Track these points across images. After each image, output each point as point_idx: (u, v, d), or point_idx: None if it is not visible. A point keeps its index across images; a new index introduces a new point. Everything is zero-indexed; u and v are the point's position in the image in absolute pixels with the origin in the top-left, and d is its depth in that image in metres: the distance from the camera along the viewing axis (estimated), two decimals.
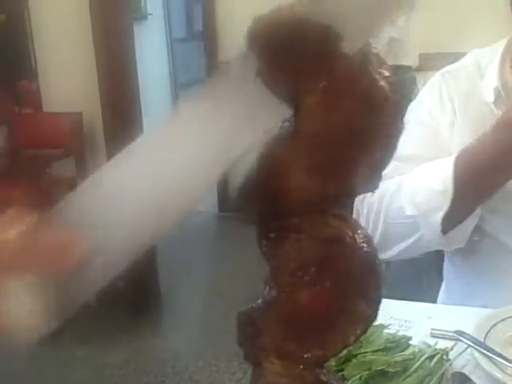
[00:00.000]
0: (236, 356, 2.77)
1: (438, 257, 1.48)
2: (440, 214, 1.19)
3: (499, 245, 1.29)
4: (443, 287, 1.48)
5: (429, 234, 1.22)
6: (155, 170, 0.44)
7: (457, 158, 1.19)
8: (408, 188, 1.24)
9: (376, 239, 1.29)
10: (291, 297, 0.47)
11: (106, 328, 3.16)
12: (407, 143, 1.29)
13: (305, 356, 0.48)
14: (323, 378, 0.49)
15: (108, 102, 3.17)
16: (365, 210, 1.30)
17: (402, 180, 1.26)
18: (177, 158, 0.43)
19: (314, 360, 0.49)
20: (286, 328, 0.49)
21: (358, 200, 1.28)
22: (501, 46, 1.31)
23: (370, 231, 1.28)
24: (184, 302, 3.48)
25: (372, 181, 0.46)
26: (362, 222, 1.29)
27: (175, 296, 3.55)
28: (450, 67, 1.40)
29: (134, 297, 3.33)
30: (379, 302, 0.48)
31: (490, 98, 1.28)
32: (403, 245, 1.28)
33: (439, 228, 1.20)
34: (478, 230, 1.28)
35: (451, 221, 1.21)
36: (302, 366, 0.49)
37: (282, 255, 0.47)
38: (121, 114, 3.11)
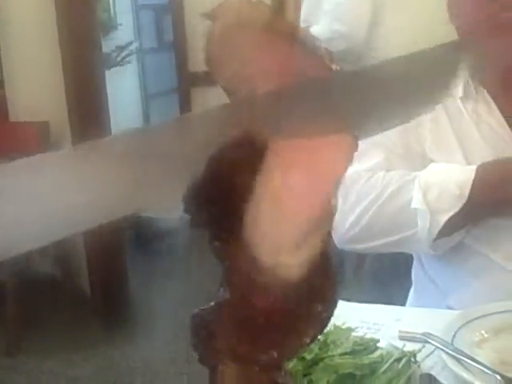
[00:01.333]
0: None
1: (407, 260, 1.48)
2: (448, 214, 1.20)
3: (467, 248, 1.29)
4: (412, 291, 1.48)
5: (422, 233, 1.23)
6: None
7: (479, 166, 1.21)
8: (421, 182, 1.24)
9: (357, 229, 1.28)
10: (244, 299, 0.45)
11: (75, 339, 3.11)
12: (391, 133, 1.30)
13: (260, 358, 0.47)
14: (280, 380, 0.48)
15: (76, 111, 3.13)
16: (353, 198, 1.28)
17: (412, 175, 1.27)
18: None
19: (269, 362, 0.47)
20: (240, 330, 0.47)
21: (345, 185, 1.28)
22: None
23: (352, 219, 1.27)
24: (155, 309, 3.45)
25: None
26: (346, 209, 1.28)
27: (146, 304, 3.52)
28: None
29: (103, 306, 3.29)
30: (335, 303, 0.47)
31: (460, 93, 1.29)
32: (389, 239, 1.28)
33: (439, 228, 1.21)
34: None
35: (451, 227, 1.22)
36: (257, 369, 0.47)
37: (234, 256, 0.45)
38: (89, 123, 3.07)
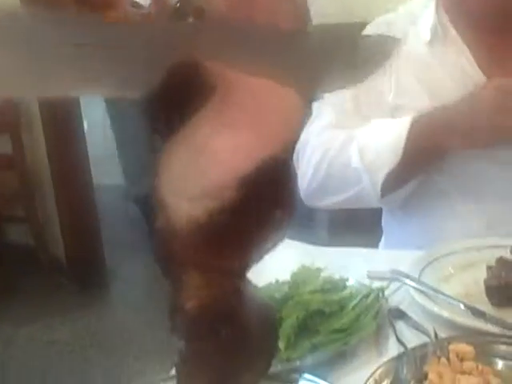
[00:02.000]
0: None
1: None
2: (384, 172, 1.20)
3: (436, 189, 1.30)
4: (383, 236, 1.50)
5: (368, 189, 1.23)
6: None
7: (413, 119, 1.20)
8: (359, 141, 1.25)
9: (313, 187, 1.30)
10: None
11: (52, 305, 3.11)
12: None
13: (223, 266, 0.48)
14: (241, 287, 0.49)
15: None
16: (306, 157, 1.30)
17: (353, 133, 1.27)
18: None
19: (232, 270, 0.48)
20: (203, 240, 0.48)
21: (299, 143, 1.29)
22: None
23: (308, 177, 1.29)
24: (131, 274, 3.46)
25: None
26: (302, 166, 1.29)
27: (122, 268, 3.53)
28: (381, 18, 1.40)
29: (78, 272, 3.29)
30: (294, 209, 0.48)
31: (427, 36, 1.30)
32: (342, 196, 1.29)
33: (379, 186, 1.22)
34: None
35: (392, 183, 1.23)
36: (220, 277, 0.48)
37: None
38: None
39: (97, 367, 2.66)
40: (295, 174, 0.48)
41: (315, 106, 1.34)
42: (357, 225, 1.82)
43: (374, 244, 1.50)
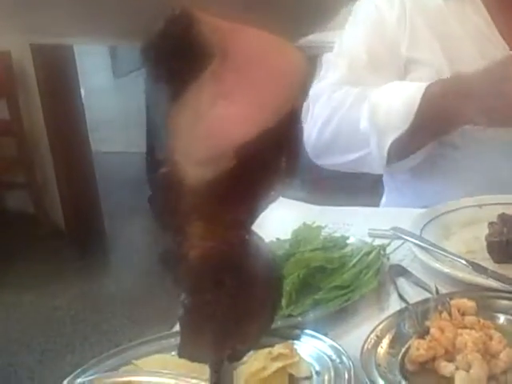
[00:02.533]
0: None
1: None
2: (392, 136, 1.16)
3: (443, 158, 1.29)
4: (384, 196, 1.49)
5: (374, 154, 1.21)
6: None
7: (429, 85, 1.15)
8: (370, 101, 1.21)
9: (320, 144, 1.28)
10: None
11: (53, 271, 3.13)
12: (356, 41, 1.28)
13: (229, 217, 0.47)
14: (247, 237, 0.48)
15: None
16: (315, 113, 1.28)
17: (365, 92, 1.23)
18: None
19: (238, 221, 0.48)
20: (208, 194, 0.47)
21: (311, 100, 1.27)
22: None
23: (315, 134, 1.27)
24: (131, 241, 3.47)
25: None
26: (310, 122, 1.27)
27: (122, 236, 3.53)
28: None
29: (79, 238, 3.30)
30: (299, 157, 0.47)
31: None
32: (348, 157, 1.27)
33: (385, 151, 1.18)
34: None
35: (399, 151, 1.20)
36: (226, 228, 0.48)
37: None
38: (52, 50, 3.00)
39: (98, 331, 2.68)
40: (302, 129, 0.46)
41: (325, 58, 1.32)
42: (358, 184, 1.81)
43: (376, 203, 1.50)
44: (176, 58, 0.44)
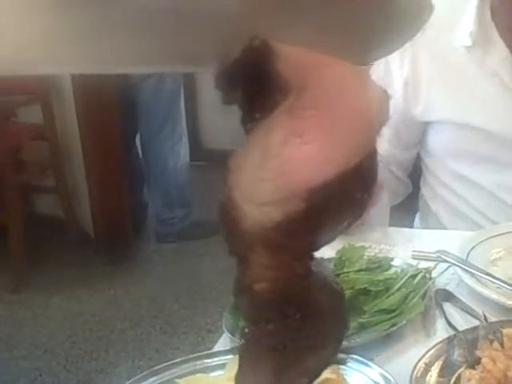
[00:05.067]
0: (211, 301, 2.77)
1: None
2: None
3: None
4: (417, 217, 1.47)
5: None
6: None
7: None
8: None
9: None
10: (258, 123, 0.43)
11: (81, 276, 3.13)
12: None
13: (293, 245, 0.45)
14: (314, 268, 0.47)
15: None
16: None
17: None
18: None
19: (302, 249, 0.46)
20: (275, 227, 0.46)
21: None
22: None
23: None
24: (158, 248, 3.46)
25: None
26: None
27: (150, 242, 3.53)
28: None
29: (108, 245, 3.30)
30: (373, 192, 0.45)
31: (467, 42, 1.21)
32: None
33: None
34: None
35: None
36: (292, 258, 0.46)
37: None
38: None
39: (123, 338, 2.68)
40: (377, 163, 0.44)
41: None
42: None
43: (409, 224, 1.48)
44: (249, 89, 0.42)
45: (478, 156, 1.24)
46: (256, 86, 0.42)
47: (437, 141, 1.29)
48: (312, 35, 0.40)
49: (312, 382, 0.49)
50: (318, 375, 0.49)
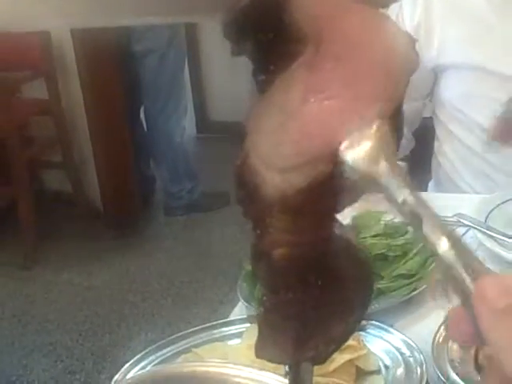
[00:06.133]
0: (222, 273, 2.76)
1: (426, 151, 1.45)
2: None
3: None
4: (432, 180, 1.45)
5: None
6: None
7: None
8: None
9: None
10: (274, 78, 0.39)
11: (91, 251, 3.13)
12: None
13: (318, 208, 0.43)
14: (336, 231, 0.44)
15: None
16: None
17: None
18: None
19: (326, 212, 0.43)
20: (295, 194, 0.43)
21: None
22: None
23: None
24: (167, 221, 3.46)
25: None
26: None
27: (158, 215, 3.53)
28: None
29: (117, 219, 3.29)
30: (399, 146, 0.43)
31: None
32: None
33: None
34: None
35: None
36: (314, 220, 0.43)
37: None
38: (92, 31, 2.98)
39: (135, 311, 2.68)
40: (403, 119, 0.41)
41: None
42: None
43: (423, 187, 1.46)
44: (261, 38, 0.39)
45: (493, 101, 1.20)
46: (269, 34, 0.39)
47: (451, 87, 1.26)
48: None
49: (337, 350, 0.47)
50: (343, 343, 0.47)
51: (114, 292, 2.85)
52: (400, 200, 0.36)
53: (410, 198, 0.36)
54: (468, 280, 0.32)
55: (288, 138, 0.38)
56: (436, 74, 1.27)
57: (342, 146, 0.37)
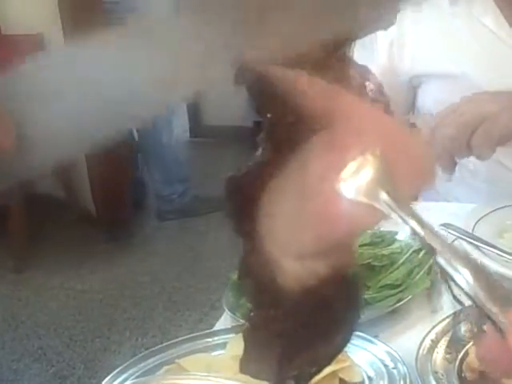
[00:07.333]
0: (213, 277, 2.76)
1: None
2: None
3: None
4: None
5: None
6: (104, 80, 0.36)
7: None
8: None
9: None
10: (287, 157, 0.39)
11: (82, 255, 3.13)
12: None
13: None
14: None
15: (70, 22, 3.03)
16: None
17: None
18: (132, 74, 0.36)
19: None
20: None
21: None
22: None
23: None
24: (159, 225, 3.45)
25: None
26: None
27: (150, 219, 3.52)
28: None
29: (108, 222, 3.28)
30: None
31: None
32: None
33: None
34: None
35: None
36: None
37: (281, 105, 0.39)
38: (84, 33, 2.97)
39: (127, 316, 2.67)
40: None
41: None
42: None
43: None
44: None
45: None
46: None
47: (427, 98, 1.27)
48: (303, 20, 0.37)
49: (321, 370, 0.47)
50: (326, 365, 0.47)
51: (106, 296, 2.84)
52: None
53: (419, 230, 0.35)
54: (500, 315, 0.32)
55: (306, 223, 0.36)
56: (414, 86, 1.28)
57: None
